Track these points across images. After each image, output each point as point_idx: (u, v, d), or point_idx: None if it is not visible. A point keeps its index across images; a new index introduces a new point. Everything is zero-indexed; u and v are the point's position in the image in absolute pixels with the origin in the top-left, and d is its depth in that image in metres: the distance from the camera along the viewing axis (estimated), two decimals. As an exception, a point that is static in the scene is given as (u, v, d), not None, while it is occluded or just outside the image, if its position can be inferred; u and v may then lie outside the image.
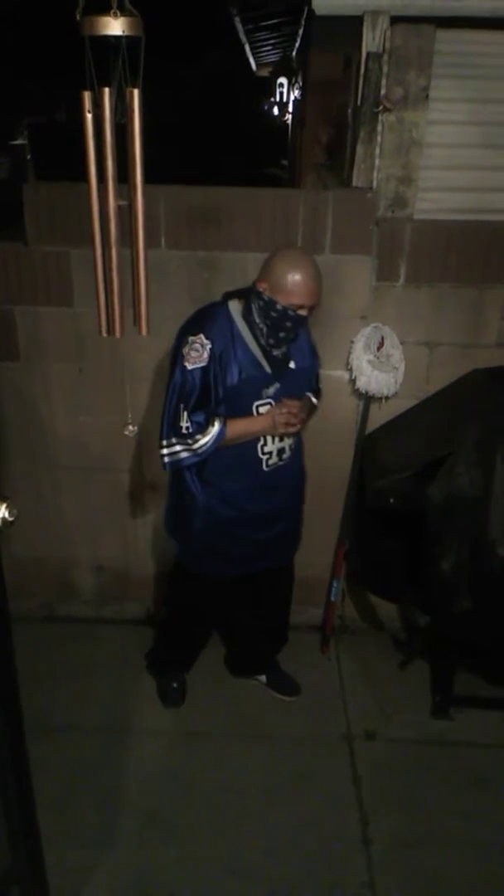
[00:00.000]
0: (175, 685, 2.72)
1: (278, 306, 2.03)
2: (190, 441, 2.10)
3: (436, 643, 2.73)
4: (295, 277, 2.01)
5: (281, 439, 2.23)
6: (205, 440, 2.09)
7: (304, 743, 2.56)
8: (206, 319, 2.11)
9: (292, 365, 2.21)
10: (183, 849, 2.16)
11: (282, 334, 2.09)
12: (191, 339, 2.07)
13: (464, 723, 2.64)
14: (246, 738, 2.56)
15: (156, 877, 2.08)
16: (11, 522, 1.19)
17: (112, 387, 2.64)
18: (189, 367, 2.05)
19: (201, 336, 2.05)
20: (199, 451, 2.10)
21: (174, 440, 2.11)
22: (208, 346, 2.04)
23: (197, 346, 2.05)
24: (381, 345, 2.58)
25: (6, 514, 1.18)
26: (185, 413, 2.07)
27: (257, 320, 2.09)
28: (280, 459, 2.27)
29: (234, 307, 2.14)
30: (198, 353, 2.04)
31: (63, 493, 2.92)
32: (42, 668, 2.76)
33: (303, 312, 2.05)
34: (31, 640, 2.86)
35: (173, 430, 2.10)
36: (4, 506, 1.18)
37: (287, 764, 2.46)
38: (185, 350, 2.06)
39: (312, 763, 2.47)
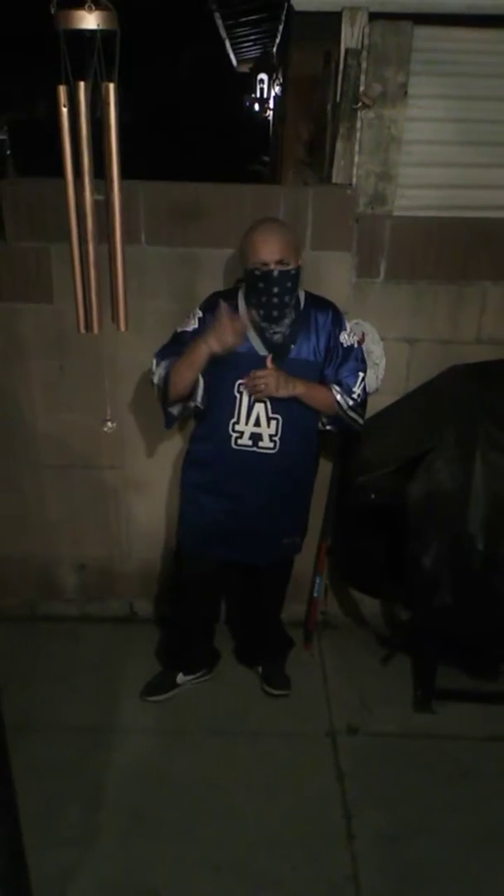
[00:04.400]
0: (157, 677, 2.72)
1: (248, 267, 2.16)
2: (156, 360, 2.30)
3: (417, 638, 2.75)
4: (252, 236, 2.16)
5: (257, 424, 2.25)
6: (158, 363, 2.30)
7: (287, 738, 2.56)
8: (214, 297, 2.29)
9: (293, 353, 2.26)
10: (167, 846, 2.16)
11: (263, 298, 2.15)
12: (194, 311, 2.32)
13: (445, 716, 2.66)
14: (230, 735, 2.56)
15: (141, 874, 2.08)
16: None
17: (93, 384, 2.63)
18: (178, 330, 2.32)
19: (198, 308, 2.31)
20: (156, 365, 2.30)
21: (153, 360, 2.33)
22: (198, 316, 2.29)
23: (191, 315, 2.31)
24: (361, 341, 2.59)
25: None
26: (159, 355, 2.31)
27: (252, 299, 2.20)
28: (255, 446, 2.27)
29: (241, 293, 2.28)
30: (188, 320, 2.30)
31: (45, 491, 2.90)
32: (24, 667, 2.73)
33: (269, 268, 2.11)
34: (13, 640, 2.85)
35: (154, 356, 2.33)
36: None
37: (271, 760, 2.47)
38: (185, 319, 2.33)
39: (296, 758, 2.48)
